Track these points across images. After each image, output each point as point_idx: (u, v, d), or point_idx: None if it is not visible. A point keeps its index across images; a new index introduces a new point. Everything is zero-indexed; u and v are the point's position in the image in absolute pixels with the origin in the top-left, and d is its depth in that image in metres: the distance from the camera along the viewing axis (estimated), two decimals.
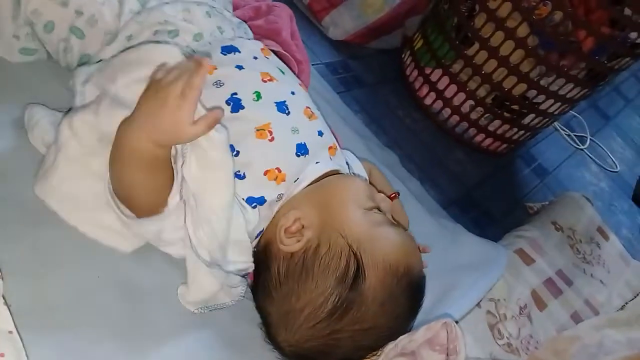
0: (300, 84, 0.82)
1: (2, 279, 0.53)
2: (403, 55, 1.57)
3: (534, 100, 1.38)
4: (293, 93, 0.76)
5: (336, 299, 0.64)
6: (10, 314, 0.53)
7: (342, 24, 1.42)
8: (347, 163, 0.81)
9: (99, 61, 0.72)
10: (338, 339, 0.65)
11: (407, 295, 0.67)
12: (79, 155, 0.62)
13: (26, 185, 0.64)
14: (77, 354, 0.57)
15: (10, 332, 0.51)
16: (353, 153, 0.89)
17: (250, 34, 0.85)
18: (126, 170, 0.59)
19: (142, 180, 0.59)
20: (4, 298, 0.53)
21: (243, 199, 0.67)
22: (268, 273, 0.68)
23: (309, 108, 0.77)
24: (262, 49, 0.80)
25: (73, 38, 0.72)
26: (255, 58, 0.77)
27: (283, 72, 0.79)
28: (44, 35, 0.72)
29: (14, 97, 0.71)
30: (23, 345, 0.52)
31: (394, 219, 0.75)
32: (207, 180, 0.60)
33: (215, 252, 0.63)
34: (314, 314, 0.64)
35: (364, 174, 0.86)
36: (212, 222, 0.61)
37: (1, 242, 0.59)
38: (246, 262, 0.67)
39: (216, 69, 0.72)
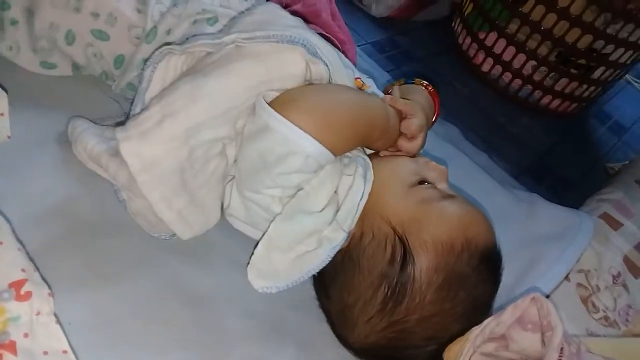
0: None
1: (53, 296, 0.51)
2: (453, 24, 1.51)
3: (603, 52, 1.30)
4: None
5: (386, 290, 0.59)
6: (64, 332, 0.51)
7: None
8: None
9: (143, 61, 0.69)
10: (400, 331, 0.60)
11: (475, 272, 0.60)
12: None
13: (74, 198, 0.63)
14: None
15: (65, 351, 0.49)
16: None
17: None
18: None
19: None
20: (56, 316, 0.51)
21: None
22: (322, 270, 0.63)
23: (360, 79, 0.73)
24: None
25: (98, 42, 0.70)
26: None
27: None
28: (67, 48, 0.71)
29: (57, 112, 0.70)
30: None
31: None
32: None
33: None
34: (365, 309, 0.60)
35: None
36: None
37: (54, 257, 0.57)
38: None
39: None
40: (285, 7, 0.87)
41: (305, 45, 0.60)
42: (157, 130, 0.56)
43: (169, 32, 0.69)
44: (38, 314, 0.50)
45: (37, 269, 0.53)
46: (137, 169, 0.56)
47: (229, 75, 0.59)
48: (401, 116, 0.69)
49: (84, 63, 0.73)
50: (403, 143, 0.69)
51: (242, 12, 0.70)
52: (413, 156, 0.71)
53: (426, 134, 0.72)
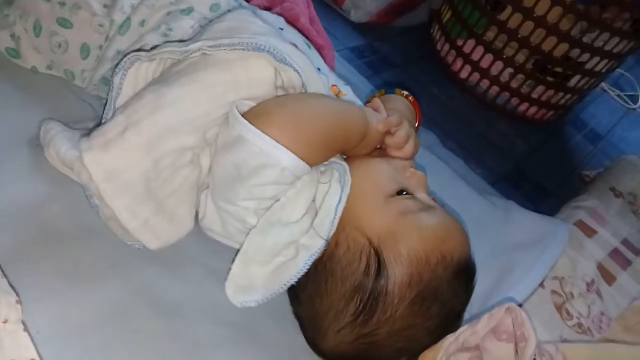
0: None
1: (21, 303, 0.50)
2: (432, 30, 1.51)
3: (578, 60, 1.31)
4: (319, 69, 0.71)
5: (358, 302, 0.58)
6: (32, 340, 0.49)
7: (363, 5, 1.37)
8: None
9: (117, 53, 0.69)
10: (370, 343, 0.59)
11: (448, 286, 0.59)
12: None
13: (45, 203, 0.62)
14: None
15: None
16: None
17: None
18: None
19: None
20: (24, 324, 0.50)
21: None
22: None
23: (336, 86, 0.72)
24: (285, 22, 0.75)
25: (62, 29, 0.70)
26: (281, 29, 0.72)
27: (309, 47, 0.74)
28: (36, 41, 0.71)
29: (28, 114, 0.68)
30: None
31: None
32: None
33: None
34: (337, 319, 0.59)
35: None
36: None
37: (23, 264, 0.56)
38: None
39: None
40: (264, 10, 0.87)
41: (271, 52, 0.60)
42: (120, 139, 0.56)
43: (142, 23, 0.69)
44: (5, 322, 0.48)
45: (5, 275, 0.52)
46: (99, 179, 0.56)
47: (193, 83, 0.59)
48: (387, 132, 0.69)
49: (49, 59, 0.72)
50: (394, 153, 0.69)
51: (217, 3, 0.70)
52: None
53: (415, 137, 0.71)
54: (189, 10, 0.69)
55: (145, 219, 0.59)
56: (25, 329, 0.50)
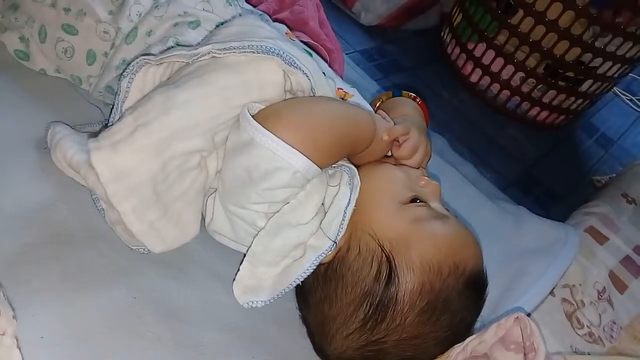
0: (329, 67, 0.77)
1: (16, 319, 0.49)
2: (442, 34, 1.51)
3: (590, 65, 1.29)
4: (324, 73, 0.70)
5: (367, 308, 0.57)
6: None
7: (373, 8, 1.37)
8: None
9: (123, 62, 0.69)
10: (377, 351, 0.58)
11: (459, 297, 0.59)
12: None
13: (51, 207, 0.61)
14: None
15: None
16: None
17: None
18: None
19: None
20: (16, 339, 0.48)
21: None
22: (305, 280, 0.62)
23: (342, 89, 0.72)
24: (286, 33, 0.75)
25: (68, 36, 0.70)
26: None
27: (310, 55, 0.73)
28: (42, 47, 0.71)
29: (36, 116, 0.68)
30: None
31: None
32: None
33: None
34: (345, 324, 0.58)
35: None
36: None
37: (29, 267, 0.56)
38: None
39: None
40: (273, 14, 0.86)
41: (281, 55, 0.59)
42: (129, 140, 0.56)
43: (149, 33, 0.69)
44: (3, 334, 0.48)
45: (1, 285, 0.52)
46: (107, 179, 0.55)
47: (203, 85, 0.58)
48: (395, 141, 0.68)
49: (55, 64, 0.72)
50: (402, 162, 0.69)
51: (225, 21, 0.69)
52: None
53: (426, 143, 0.71)
54: (196, 24, 0.69)
55: (150, 222, 0.58)
56: (18, 346, 0.48)
